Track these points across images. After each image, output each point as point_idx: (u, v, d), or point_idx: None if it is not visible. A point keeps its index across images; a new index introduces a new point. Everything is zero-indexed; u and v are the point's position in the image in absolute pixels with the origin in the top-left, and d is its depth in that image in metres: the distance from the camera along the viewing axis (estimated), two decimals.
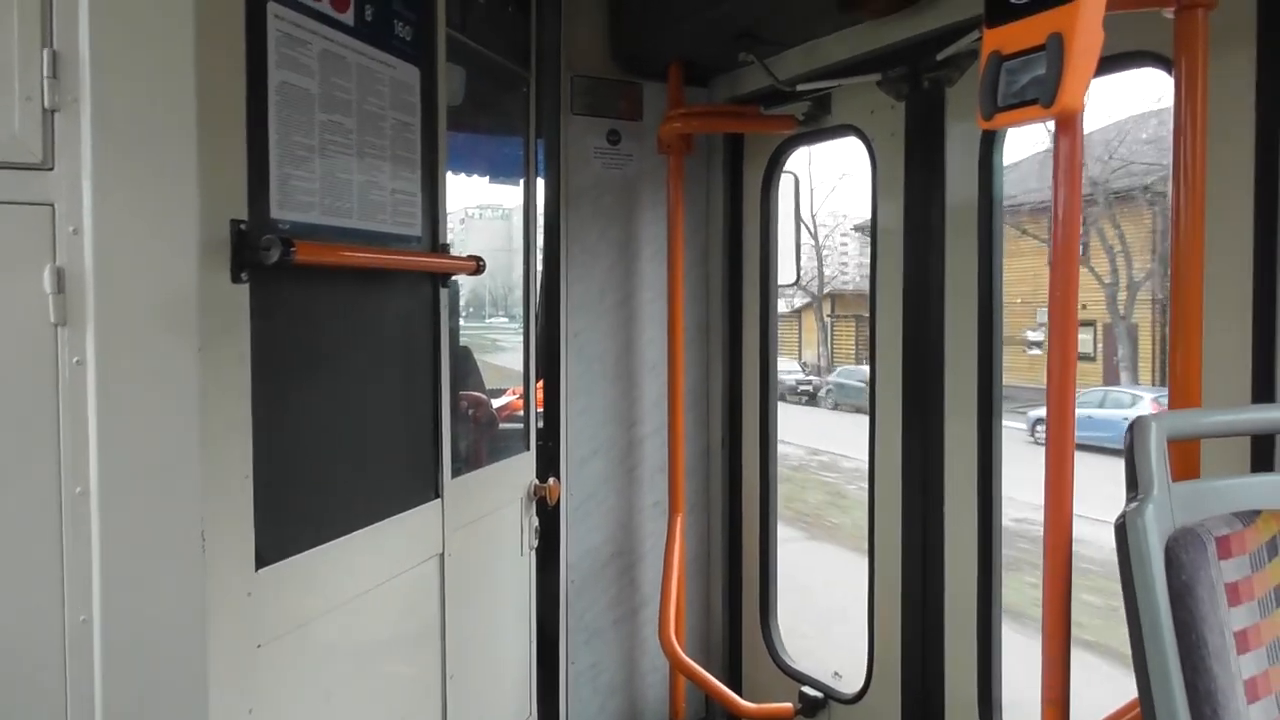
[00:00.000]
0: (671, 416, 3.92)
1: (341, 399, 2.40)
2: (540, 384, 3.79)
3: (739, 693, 3.83)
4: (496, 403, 4.12)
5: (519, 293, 3.79)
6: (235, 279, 1.94)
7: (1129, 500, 1.71)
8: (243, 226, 1.95)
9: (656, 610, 3.92)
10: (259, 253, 1.94)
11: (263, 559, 2.03)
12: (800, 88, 3.39)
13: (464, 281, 3.14)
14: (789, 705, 3.66)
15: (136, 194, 1.82)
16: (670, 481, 3.93)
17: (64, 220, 1.78)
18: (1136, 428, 1.72)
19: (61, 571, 1.78)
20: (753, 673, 4.04)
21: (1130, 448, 1.72)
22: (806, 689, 3.68)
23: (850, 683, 3.62)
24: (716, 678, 3.78)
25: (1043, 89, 1.70)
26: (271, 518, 2.04)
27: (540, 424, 3.74)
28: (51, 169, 1.79)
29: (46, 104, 1.78)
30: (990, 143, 2.87)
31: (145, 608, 1.82)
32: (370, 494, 2.49)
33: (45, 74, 1.78)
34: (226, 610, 1.92)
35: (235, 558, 1.95)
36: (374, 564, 2.47)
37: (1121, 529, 1.68)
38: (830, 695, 3.63)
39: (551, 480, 3.56)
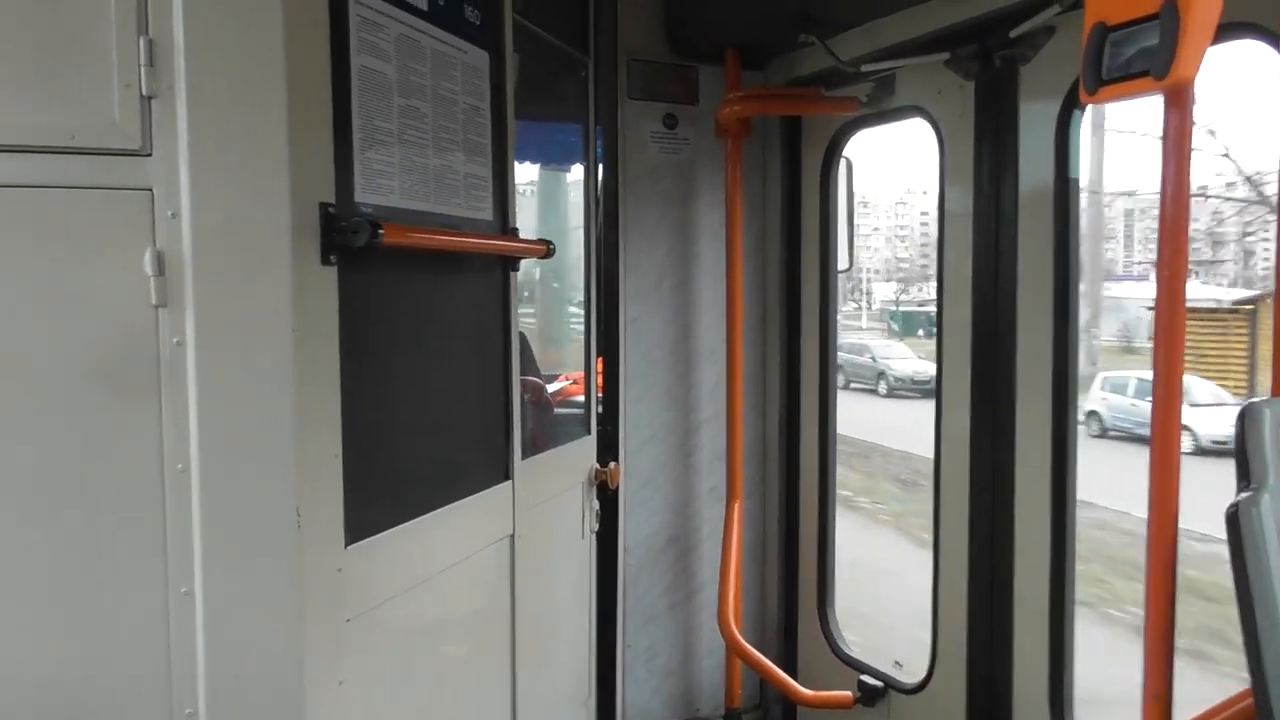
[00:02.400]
0: (729, 402, 3.93)
1: (420, 381, 2.44)
2: (600, 369, 3.81)
3: (795, 680, 3.83)
4: (551, 388, 4.15)
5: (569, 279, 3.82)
6: (324, 261, 1.98)
7: (1240, 489, 1.67)
8: (331, 210, 1.99)
9: (712, 595, 3.94)
10: (347, 235, 1.98)
11: (351, 536, 2.07)
12: (864, 68, 3.35)
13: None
14: (848, 694, 3.65)
15: (230, 178, 1.86)
16: (728, 468, 3.94)
17: (163, 205, 1.82)
18: (1248, 415, 1.67)
19: (165, 546, 1.83)
20: (809, 660, 4.05)
21: (1241, 436, 1.67)
22: (865, 678, 3.67)
23: (911, 672, 3.62)
24: (773, 664, 3.79)
25: (1154, 60, 1.63)
26: (358, 496, 2.08)
27: (600, 409, 3.76)
28: (150, 155, 1.83)
29: (144, 91, 1.83)
30: (1067, 123, 2.83)
31: (243, 581, 1.87)
32: (447, 475, 2.53)
33: (142, 62, 1.82)
34: (319, 585, 1.96)
35: (326, 534, 2.00)
36: (451, 543, 2.51)
37: (1234, 518, 1.63)
38: (890, 685, 3.61)
39: (612, 464, 3.59)
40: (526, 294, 3.43)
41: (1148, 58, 1.65)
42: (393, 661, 2.31)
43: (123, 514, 1.83)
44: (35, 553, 1.81)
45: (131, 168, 1.82)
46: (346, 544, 2.06)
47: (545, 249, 2.87)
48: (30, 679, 1.82)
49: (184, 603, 1.85)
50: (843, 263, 4.09)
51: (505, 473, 2.79)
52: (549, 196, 4.18)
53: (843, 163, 3.98)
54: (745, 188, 3.92)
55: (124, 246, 1.81)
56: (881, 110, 3.56)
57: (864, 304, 51.69)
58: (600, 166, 3.76)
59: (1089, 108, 2.77)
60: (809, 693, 3.68)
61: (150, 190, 1.82)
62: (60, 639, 1.83)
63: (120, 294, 1.81)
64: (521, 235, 2.94)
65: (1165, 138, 1.76)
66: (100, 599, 1.84)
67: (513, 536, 2.81)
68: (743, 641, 3.73)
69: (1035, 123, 2.92)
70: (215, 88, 1.86)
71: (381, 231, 2.00)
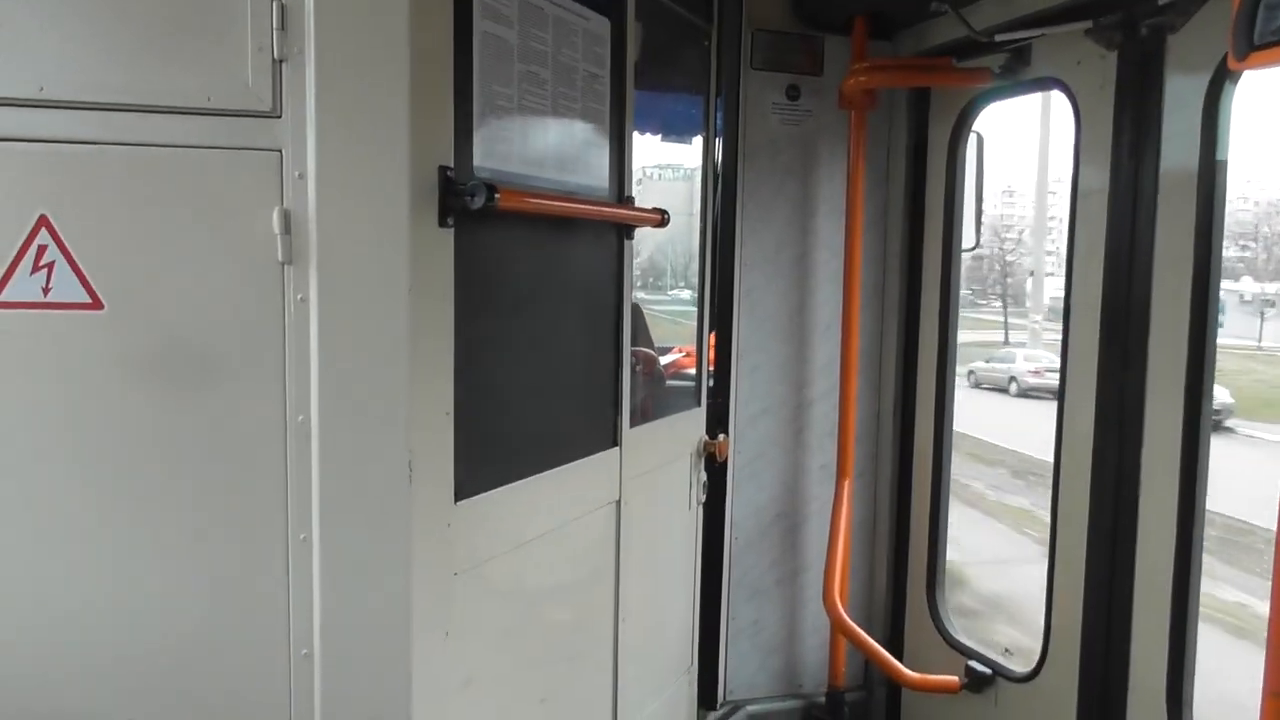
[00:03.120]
0: (843, 379, 3.86)
1: (531, 344, 2.48)
2: (712, 341, 3.80)
3: (901, 662, 3.76)
4: (662, 360, 4.16)
5: (689, 251, 3.80)
6: (441, 223, 2.03)
7: None
8: (449, 173, 2.03)
9: (819, 573, 3.90)
10: (464, 198, 2.01)
11: (461, 493, 2.13)
12: (998, 38, 3.21)
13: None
14: (954, 678, 3.57)
15: (355, 141, 1.92)
16: (840, 445, 3.88)
17: (291, 165, 1.89)
18: None
19: (286, 494, 1.92)
20: (916, 643, 3.97)
21: None
22: (974, 664, 3.58)
23: (1021, 661, 3.51)
24: (878, 645, 3.73)
25: None
26: (468, 454, 2.14)
27: (711, 381, 3.75)
28: (280, 117, 1.90)
29: (276, 54, 1.89)
30: (1217, 96, 2.64)
31: (358, 531, 1.95)
32: (556, 438, 2.57)
33: (275, 26, 1.89)
34: (429, 538, 2.03)
35: (437, 489, 2.06)
36: (558, 505, 2.55)
37: None
38: (999, 672, 3.52)
39: (721, 436, 3.58)
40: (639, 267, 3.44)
41: None
42: (498, 617, 2.37)
43: (248, 462, 1.92)
44: (167, 499, 1.91)
45: (263, 129, 1.89)
46: (456, 500, 2.12)
47: (660, 218, 2.86)
48: (165, 619, 1.93)
49: (302, 549, 1.93)
50: (968, 241, 3.95)
51: (613, 439, 2.81)
52: (667, 167, 4.16)
53: (972, 137, 3.84)
54: (868, 161, 3.83)
55: (254, 205, 1.89)
56: (1015, 82, 3.41)
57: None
58: (719, 137, 3.73)
59: (1241, 84, 2.57)
60: (915, 675, 3.62)
61: (280, 151, 1.89)
62: (191, 582, 1.94)
63: (249, 251, 1.89)
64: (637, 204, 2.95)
65: None
66: (227, 543, 1.94)
67: (619, 503, 2.84)
68: (849, 620, 3.68)
69: (1182, 98, 2.74)
70: (342, 52, 1.92)
71: (498, 195, 2.03)
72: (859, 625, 3.78)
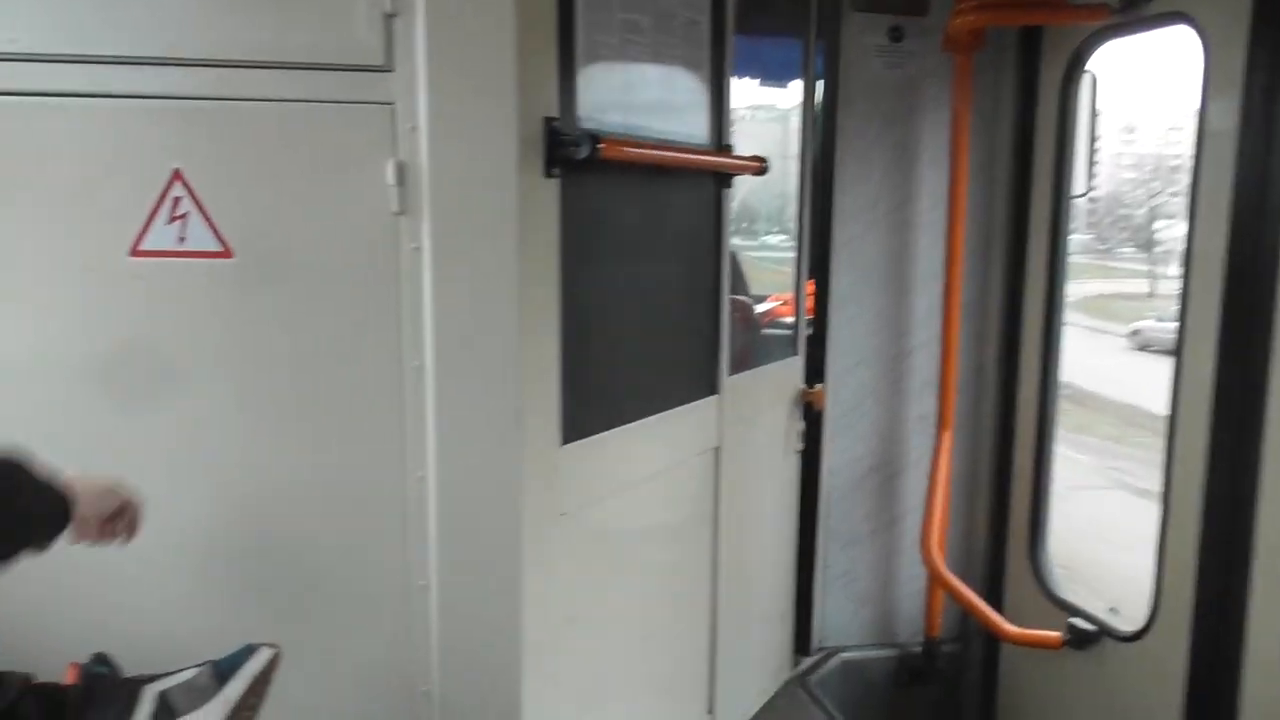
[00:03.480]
0: (945, 329, 3.80)
1: (633, 293, 2.52)
2: (810, 289, 3.78)
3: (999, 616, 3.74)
4: (759, 308, 4.16)
5: (784, 195, 3.77)
6: (547, 174, 2.07)
7: None
8: (554, 124, 2.06)
9: (915, 524, 3.88)
10: (569, 148, 2.05)
11: (566, 436, 2.20)
12: None
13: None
14: (1057, 634, 3.53)
15: (464, 93, 1.97)
16: (940, 396, 3.83)
17: (403, 118, 1.95)
18: None
19: (403, 434, 2.01)
20: (1016, 598, 3.93)
21: None
22: (1077, 621, 3.53)
23: (1127, 619, 3.45)
24: (977, 597, 3.71)
25: None
26: (574, 399, 2.20)
27: (808, 331, 3.75)
28: (392, 70, 1.95)
29: (388, 9, 1.94)
30: None
31: (470, 471, 2.03)
32: (657, 385, 2.62)
33: None
34: (537, 479, 2.10)
35: (544, 433, 2.13)
36: (659, 451, 2.61)
37: None
38: (1104, 630, 3.46)
39: (818, 386, 3.58)
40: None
41: None
42: (601, 558, 2.45)
43: (367, 405, 2.02)
44: (290, 440, 2.02)
45: (375, 83, 1.95)
46: (562, 443, 2.19)
47: (759, 165, 2.86)
48: (292, 553, 2.05)
49: (418, 486, 2.03)
50: (1080, 186, 3.82)
51: (713, 387, 2.85)
52: (764, 113, 4.12)
53: (1086, 77, 3.70)
54: (974, 106, 3.72)
55: (368, 158, 1.95)
56: (1136, 18, 3.26)
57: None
58: (818, 82, 3.67)
59: None
60: (1014, 629, 3.59)
61: (392, 105, 1.95)
62: (317, 517, 2.05)
63: (364, 202, 1.96)
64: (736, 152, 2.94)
65: None
66: (348, 484, 2.04)
67: (718, 450, 2.88)
68: (946, 572, 3.67)
69: None
70: (451, 6, 1.96)
71: (601, 145, 2.06)
72: (957, 577, 3.77)
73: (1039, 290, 3.77)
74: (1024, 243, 3.84)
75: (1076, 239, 3.80)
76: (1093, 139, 3.83)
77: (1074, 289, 3.83)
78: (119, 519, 1.63)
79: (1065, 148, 3.63)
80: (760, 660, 3.46)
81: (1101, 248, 45.47)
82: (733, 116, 2.87)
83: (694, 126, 2.69)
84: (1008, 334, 3.92)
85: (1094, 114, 3.80)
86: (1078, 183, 3.77)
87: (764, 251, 4.53)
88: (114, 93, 1.88)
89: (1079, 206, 3.80)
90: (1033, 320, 3.82)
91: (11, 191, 1.89)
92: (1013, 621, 3.69)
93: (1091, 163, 3.86)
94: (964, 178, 3.69)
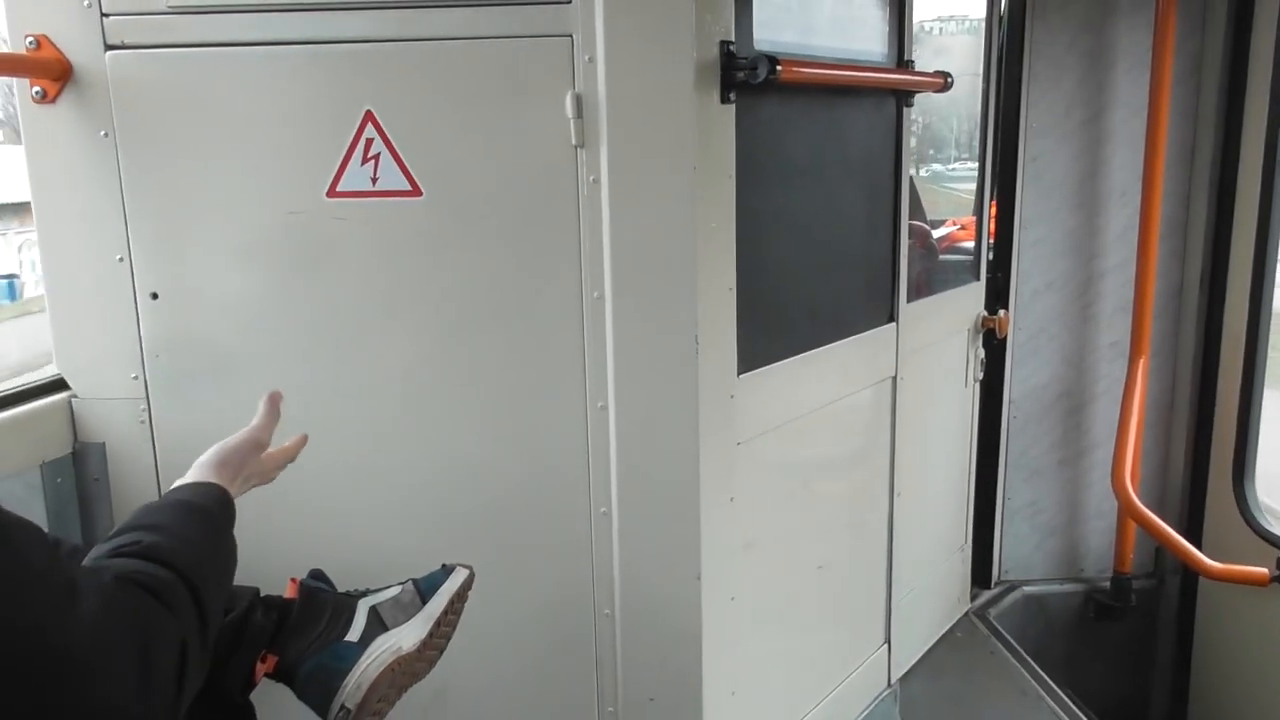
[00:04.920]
0: (1141, 249, 3.55)
1: (809, 219, 2.47)
2: (993, 210, 3.60)
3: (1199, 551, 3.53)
4: (936, 234, 3.99)
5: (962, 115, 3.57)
6: (724, 99, 2.03)
7: None
8: (730, 48, 2.02)
9: (1105, 455, 3.69)
10: (746, 72, 2.01)
11: (743, 366, 2.20)
12: None
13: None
14: (1264, 570, 3.31)
15: (640, 22, 1.95)
16: (1135, 321, 3.60)
17: (581, 50, 1.95)
18: None
19: (584, 364, 2.06)
20: (1217, 533, 3.70)
21: None
22: None
23: None
24: (1173, 531, 3.51)
25: None
26: (750, 328, 2.19)
27: (990, 255, 3.58)
28: (569, 2, 1.95)
29: None
30: None
31: (650, 399, 2.06)
32: (833, 313, 2.57)
33: None
34: (714, 408, 2.12)
35: (721, 362, 2.13)
36: (835, 379, 2.57)
37: None
38: None
39: (1001, 313, 3.43)
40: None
41: None
42: (778, 486, 2.46)
43: (549, 335, 2.07)
44: (478, 368, 2.10)
45: (554, 15, 1.96)
46: (739, 373, 2.19)
47: (942, 82, 2.72)
48: (482, 480, 2.15)
49: (599, 416, 2.07)
50: None
51: (890, 314, 2.77)
52: (949, 19, 3.89)
53: None
54: (1181, 3, 3.40)
55: (547, 91, 1.97)
56: None
57: None
58: None
59: None
60: (1218, 565, 3.38)
61: (570, 36, 1.95)
62: (503, 445, 2.13)
63: (544, 137, 1.99)
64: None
65: None
66: (533, 410, 2.11)
67: (895, 378, 2.82)
68: (1139, 504, 3.48)
69: None
70: None
71: (779, 68, 2.00)
72: (1150, 510, 3.58)
73: (1250, 204, 3.46)
74: (1235, 154, 3.52)
75: None
76: None
77: None
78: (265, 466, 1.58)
79: None
80: (938, 592, 3.41)
81: None
82: (914, 30, 2.73)
83: (873, 43, 2.58)
84: (1213, 253, 3.63)
85: None
86: None
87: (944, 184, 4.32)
88: (311, 39, 1.97)
89: None
90: (1243, 237, 3.51)
91: (223, 139, 2.01)
92: (1213, 557, 3.48)
93: None
94: (1167, 84, 3.40)
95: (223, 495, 1.38)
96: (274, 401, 1.57)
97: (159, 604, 1.10)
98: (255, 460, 1.52)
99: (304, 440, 1.64)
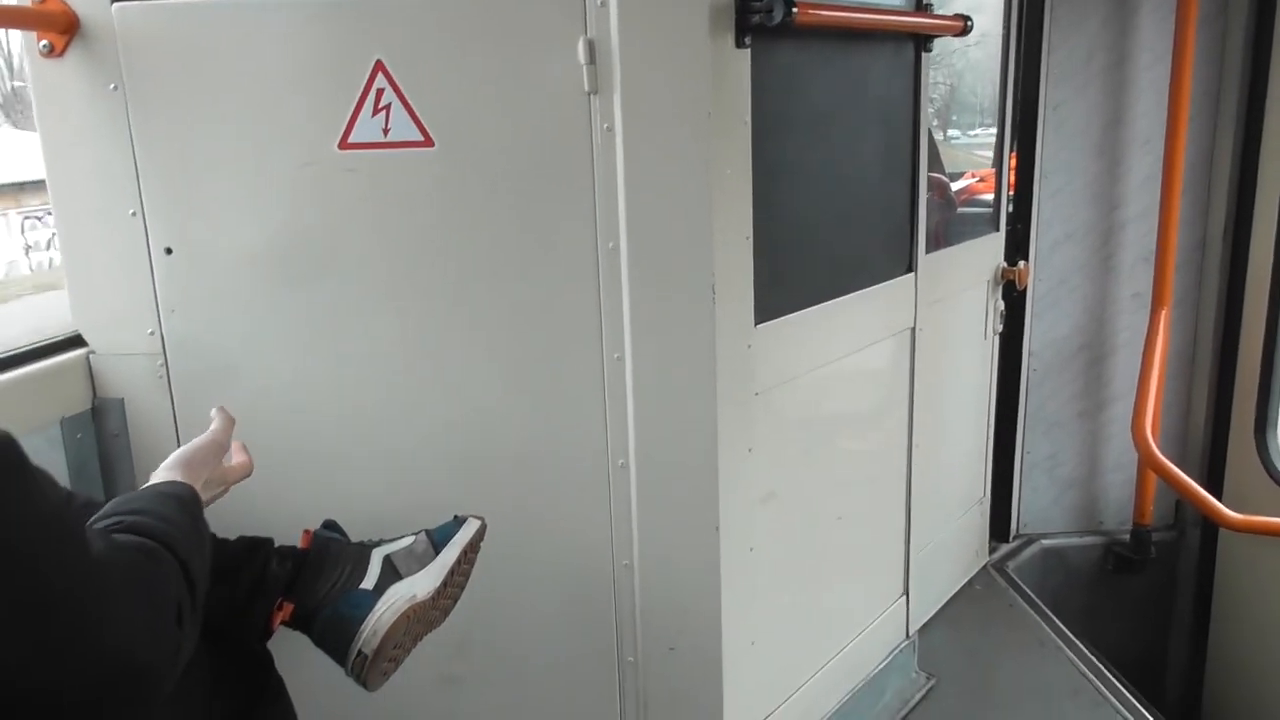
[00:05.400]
0: (1164, 198, 3.50)
1: (826, 167, 2.43)
2: (1013, 161, 3.54)
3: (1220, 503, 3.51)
4: (955, 186, 3.94)
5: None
6: (739, 44, 1.99)
7: None
8: None
9: (1125, 409, 3.67)
10: (762, 15, 1.96)
11: (760, 316, 2.18)
12: None
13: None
14: None
15: None
16: (1156, 272, 3.56)
17: None
18: None
19: (599, 315, 2.04)
20: (1238, 484, 3.67)
21: None
22: None
23: None
24: (1194, 483, 3.49)
25: None
26: (766, 278, 2.17)
27: (1010, 206, 3.53)
28: None
29: None
30: None
31: (666, 350, 2.05)
32: (850, 263, 2.55)
33: None
34: (731, 358, 2.10)
35: (738, 312, 2.11)
36: (853, 330, 2.55)
37: None
38: None
39: (1021, 264, 3.39)
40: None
41: None
42: (796, 438, 2.44)
43: (564, 285, 2.05)
44: (495, 318, 2.08)
45: None
46: (756, 323, 2.17)
47: (962, 25, 2.66)
48: (498, 432, 2.14)
49: (616, 367, 2.06)
50: None
51: (908, 265, 2.74)
52: None
53: None
54: None
55: (559, 38, 1.93)
56: None
57: None
58: None
59: None
60: (1239, 516, 3.37)
61: None
62: (518, 396, 2.12)
63: (557, 84, 1.95)
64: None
65: None
66: (549, 361, 2.10)
67: (913, 330, 2.79)
68: (1160, 456, 3.46)
69: None
70: None
71: (795, 9, 1.96)
72: (1171, 462, 3.55)
73: (1276, 152, 3.40)
74: (1261, 99, 3.44)
75: None
76: None
77: None
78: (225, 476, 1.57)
79: None
80: (957, 545, 3.40)
81: None
82: None
83: None
84: (1238, 203, 3.57)
85: None
86: None
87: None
88: None
89: None
90: (1268, 186, 3.45)
91: (233, 91, 1.99)
92: (1234, 509, 3.46)
93: None
94: (1192, 24, 3.32)
95: (191, 490, 1.38)
96: (224, 411, 1.57)
97: (153, 565, 1.10)
98: (217, 465, 1.51)
99: (250, 463, 1.61)
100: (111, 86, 1.99)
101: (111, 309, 2.12)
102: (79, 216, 2.09)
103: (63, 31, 1.96)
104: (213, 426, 1.55)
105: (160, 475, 1.41)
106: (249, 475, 1.60)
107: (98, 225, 2.07)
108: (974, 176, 4.00)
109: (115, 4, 1.96)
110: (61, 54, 1.99)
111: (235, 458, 1.58)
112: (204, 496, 1.44)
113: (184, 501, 1.33)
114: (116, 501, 1.27)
